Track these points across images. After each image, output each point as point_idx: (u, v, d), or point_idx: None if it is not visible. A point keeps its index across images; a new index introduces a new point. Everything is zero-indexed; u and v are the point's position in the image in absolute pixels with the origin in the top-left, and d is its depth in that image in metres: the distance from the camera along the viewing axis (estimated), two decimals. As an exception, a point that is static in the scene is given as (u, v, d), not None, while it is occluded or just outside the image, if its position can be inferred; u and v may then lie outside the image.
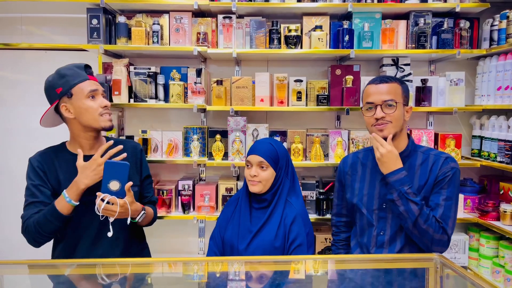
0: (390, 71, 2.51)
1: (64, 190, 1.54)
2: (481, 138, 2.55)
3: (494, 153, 2.39)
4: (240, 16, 2.54)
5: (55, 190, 1.62)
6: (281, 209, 1.76)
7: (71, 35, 2.71)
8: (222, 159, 2.48)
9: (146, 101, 2.46)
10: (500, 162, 2.33)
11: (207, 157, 2.54)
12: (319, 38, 2.41)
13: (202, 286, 1.43)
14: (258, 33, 2.46)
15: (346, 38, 2.39)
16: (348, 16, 2.51)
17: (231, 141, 2.48)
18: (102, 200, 1.49)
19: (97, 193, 1.49)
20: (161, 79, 2.48)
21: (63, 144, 1.72)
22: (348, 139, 2.53)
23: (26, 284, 1.48)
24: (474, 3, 2.41)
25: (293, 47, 2.41)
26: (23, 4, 2.69)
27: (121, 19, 2.44)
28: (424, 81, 2.47)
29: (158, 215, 2.39)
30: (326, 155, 2.53)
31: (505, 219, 2.28)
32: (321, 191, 2.49)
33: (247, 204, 1.81)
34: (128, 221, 1.56)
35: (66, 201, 1.51)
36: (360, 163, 1.78)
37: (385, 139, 1.62)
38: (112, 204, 1.50)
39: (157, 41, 2.44)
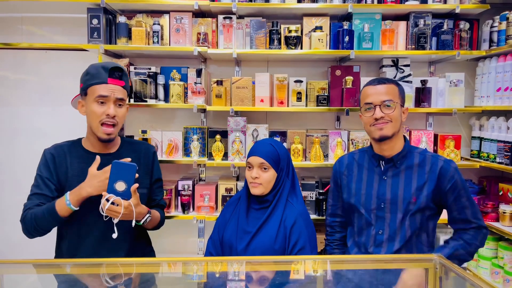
0: (390, 72, 2.52)
1: (68, 193, 1.53)
2: (481, 139, 2.55)
3: (493, 154, 2.40)
4: (241, 17, 2.55)
5: (62, 185, 1.62)
6: (281, 209, 1.75)
7: (71, 35, 2.71)
8: (222, 159, 2.48)
9: (146, 101, 2.46)
10: (499, 163, 2.33)
11: (207, 157, 2.54)
12: (319, 39, 2.41)
13: (201, 286, 1.43)
14: (258, 33, 2.46)
15: (346, 39, 2.39)
16: (348, 17, 2.52)
17: (231, 142, 2.48)
18: (107, 200, 1.48)
19: (102, 193, 1.49)
20: (161, 79, 2.49)
21: (79, 140, 1.72)
22: (348, 140, 2.53)
23: (26, 283, 1.47)
24: (474, 5, 2.41)
25: (293, 47, 2.42)
26: (24, 4, 2.69)
27: (121, 19, 2.45)
28: (423, 82, 2.47)
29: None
30: (326, 156, 2.53)
31: (504, 220, 2.29)
32: (321, 191, 2.49)
33: (247, 205, 1.81)
34: (133, 224, 1.55)
35: (65, 204, 1.51)
36: (356, 164, 1.80)
37: (385, 138, 1.64)
38: (117, 205, 1.49)
39: (157, 41, 2.44)
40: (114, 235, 1.53)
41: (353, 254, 1.76)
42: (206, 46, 2.44)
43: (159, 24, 2.46)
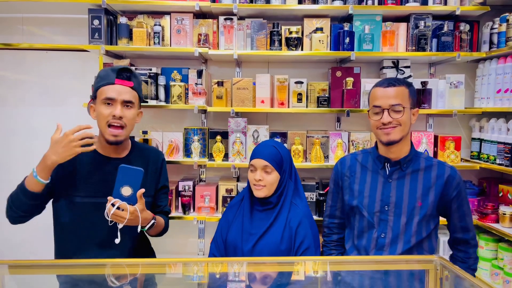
0: (390, 74, 2.52)
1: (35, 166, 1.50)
2: (481, 140, 2.56)
3: (493, 156, 2.40)
4: (241, 18, 2.55)
5: (66, 180, 1.61)
6: (286, 211, 1.75)
7: (72, 36, 2.71)
8: (223, 160, 2.48)
9: (147, 102, 2.46)
10: (499, 164, 2.34)
11: (208, 158, 2.54)
12: (319, 40, 2.42)
13: (203, 287, 1.44)
14: (259, 34, 2.47)
15: (347, 40, 2.39)
16: (348, 18, 2.52)
17: (232, 142, 2.49)
18: (113, 205, 1.45)
19: (108, 198, 1.46)
20: (162, 80, 2.49)
21: None
22: (348, 141, 2.53)
23: (26, 284, 1.47)
24: (474, 6, 2.42)
25: (294, 49, 2.42)
26: (24, 4, 2.69)
27: (122, 20, 2.45)
28: (424, 83, 2.48)
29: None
30: (326, 157, 2.53)
31: (504, 221, 2.29)
32: (321, 192, 2.49)
33: (251, 206, 1.81)
34: (138, 229, 1.54)
35: (33, 176, 1.48)
36: (359, 165, 1.77)
37: (393, 142, 1.62)
38: (122, 210, 1.46)
39: (158, 42, 2.45)
40: (117, 240, 1.51)
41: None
42: (207, 47, 2.45)
43: (160, 25, 2.47)
